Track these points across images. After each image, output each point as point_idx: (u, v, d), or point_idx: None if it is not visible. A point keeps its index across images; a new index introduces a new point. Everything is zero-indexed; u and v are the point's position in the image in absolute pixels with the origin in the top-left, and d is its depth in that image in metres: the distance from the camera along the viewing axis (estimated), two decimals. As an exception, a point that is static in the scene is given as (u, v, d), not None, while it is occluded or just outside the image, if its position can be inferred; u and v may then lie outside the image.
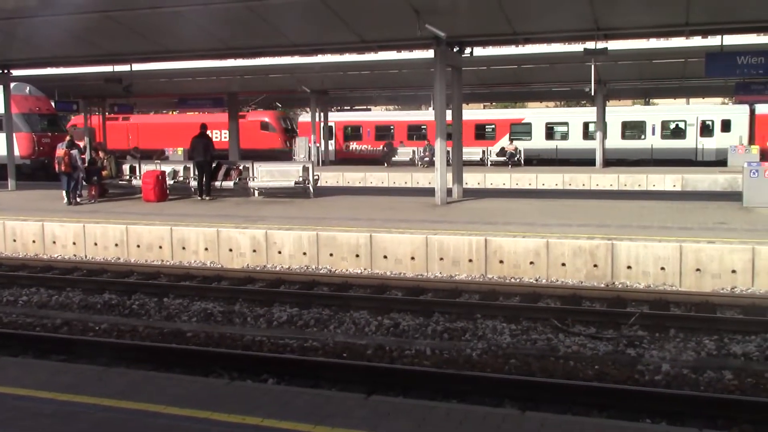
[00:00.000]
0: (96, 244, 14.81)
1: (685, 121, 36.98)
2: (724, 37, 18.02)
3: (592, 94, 28.96)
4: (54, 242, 15.17)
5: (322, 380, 7.36)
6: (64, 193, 18.87)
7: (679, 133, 36.77)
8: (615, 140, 36.35)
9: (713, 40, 19.98)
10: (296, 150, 38.51)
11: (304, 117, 44.82)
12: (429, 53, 18.14)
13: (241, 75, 31.46)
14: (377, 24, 17.10)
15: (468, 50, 18.63)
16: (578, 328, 9.19)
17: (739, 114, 36.32)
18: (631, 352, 8.21)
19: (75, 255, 14.88)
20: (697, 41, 22.47)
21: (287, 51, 21.54)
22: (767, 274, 10.91)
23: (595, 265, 11.73)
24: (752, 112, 36.14)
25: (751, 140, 35.10)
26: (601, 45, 19.59)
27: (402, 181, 31.24)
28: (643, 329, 9.07)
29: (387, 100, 45.88)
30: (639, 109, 41.76)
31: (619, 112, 38.48)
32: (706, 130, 36.47)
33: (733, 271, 11.07)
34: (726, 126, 35.93)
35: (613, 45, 21.54)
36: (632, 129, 37.86)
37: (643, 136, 37.32)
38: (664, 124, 37.37)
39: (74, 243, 14.99)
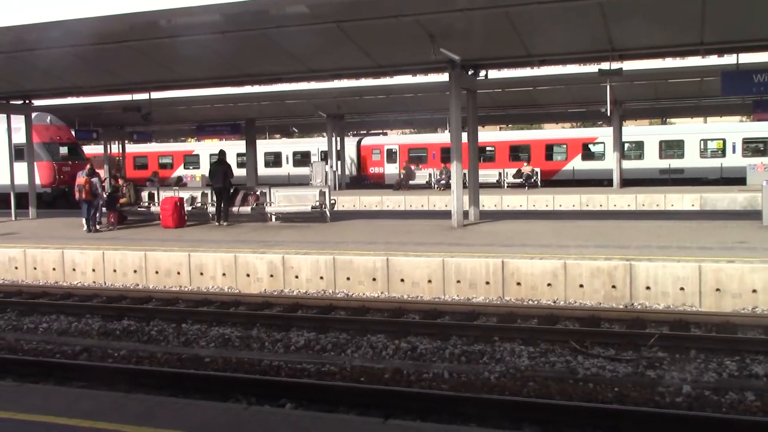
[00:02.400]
0: (115, 270, 14.93)
1: (309, 152, 45.27)
2: (740, 55, 17.99)
3: (608, 114, 28.95)
4: (74, 269, 15.31)
5: (339, 404, 7.36)
6: (83, 220, 19.06)
7: (305, 161, 44.02)
8: (289, 167, 45.24)
9: (729, 59, 19.95)
10: (313, 175, 38.70)
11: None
12: (444, 77, 18.25)
13: (258, 101, 31.78)
14: (393, 49, 17.23)
15: (483, 73, 18.71)
16: (597, 350, 9.13)
17: (349, 145, 44.21)
18: (651, 374, 8.13)
19: (94, 282, 15.00)
20: (712, 60, 22.43)
21: (303, 77, 21.73)
22: (788, 293, 10.80)
23: (614, 286, 11.65)
24: (359, 142, 44.94)
25: (359, 167, 44.16)
26: (616, 65, 19.61)
27: (419, 205, 31.27)
28: (663, 350, 8.98)
29: (403, 124, 46.06)
30: (305, 141, 49.39)
31: (292, 144, 47.75)
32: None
33: (754, 291, 10.95)
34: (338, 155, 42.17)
35: (629, 65, 21.56)
36: (301, 156, 45.80)
37: (281, 164, 45.95)
38: (294, 154, 46.07)
39: (94, 270, 15.12)
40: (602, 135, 39.04)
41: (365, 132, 49.16)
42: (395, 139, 46.73)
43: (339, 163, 39.46)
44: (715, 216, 19.76)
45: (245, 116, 35.05)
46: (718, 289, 11.14)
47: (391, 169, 42.18)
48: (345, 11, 14.75)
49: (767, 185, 16.25)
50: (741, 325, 10.06)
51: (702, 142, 37.49)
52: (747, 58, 19.15)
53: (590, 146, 39.47)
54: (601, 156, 38.48)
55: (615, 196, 29.09)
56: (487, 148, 40.16)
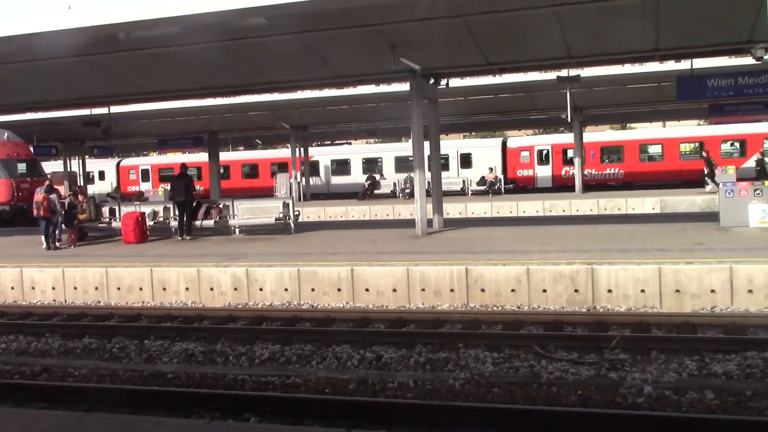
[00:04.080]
0: (75, 288, 14.69)
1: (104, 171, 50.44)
2: (695, 60, 18.37)
3: (569, 120, 29.32)
4: (33, 288, 15.03)
5: (305, 417, 7.31)
6: (43, 238, 18.73)
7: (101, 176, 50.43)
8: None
9: (685, 64, 20.33)
10: (277, 186, 38.55)
11: None
12: (406, 86, 18.32)
13: (220, 113, 31.58)
14: (354, 60, 17.29)
15: (444, 82, 18.84)
16: (560, 354, 9.20)
17: (110, 166, 50.23)
18: (614, 376, 8.22)
19: (54, 300, 14.74)
20: (669, 65, 22.86)
21: (266, 88, 21.67)
22: (745, 293, 11.02)
23: (576, 290, 11.77)
24: (118, 164, 50.53)
25: (118, 185, 49.49)
26: (574, 72, 19.88)
27: (383, 214, 31.31)
28: (624, 352, 9.09)
29: (366, 134, 46.22)
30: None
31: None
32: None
33: (712, 291, 11.16)
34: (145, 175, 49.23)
35: (588, 72, 21.86)
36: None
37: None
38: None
39: (53, 288, 14.86)
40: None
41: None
42: (149, 160, 52.86)
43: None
44: (674, 219, 20.09)
45: (208, 129, 34.82)
46: (677, 290, 11.32)
47: (146, 186, 47.89)
48: (305, 22, 14.75)
49: (723, 187, 16.58)
50: (700, 324, 10.23)
51: (395, 158, 42.42)
52: (702, 63, 19.57)
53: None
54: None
55: (577, 201, 29.41)
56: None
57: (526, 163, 39.44)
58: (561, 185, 37.83)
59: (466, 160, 41.34)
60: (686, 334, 9.75)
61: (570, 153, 37.79)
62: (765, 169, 29.39)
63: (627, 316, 10.76)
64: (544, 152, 39.85)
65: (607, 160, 39.21)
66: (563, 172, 39.07)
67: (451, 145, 42.27)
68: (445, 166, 40.14)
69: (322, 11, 14.13)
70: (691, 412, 7.01)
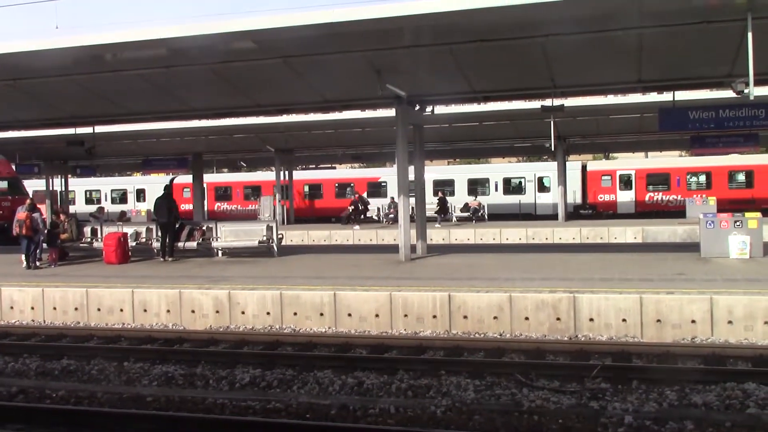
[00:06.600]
0: (55, 308, 14.53)
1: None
2: (677, 93, 18.63)
3: (552, 149, 29.60)
4: (12, 308, 14.85)
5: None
6: (23, 257, 18.56)
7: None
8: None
9: (667, 96, 20.62)
10: (260, 209, 38.49)
11: None
12: (391, 112, 18.43)
13: (205, 135, 31.57)
14: (340, 84, 17.40)
15: (429, 108, 18.97)
16: (542, 382, 9.21)
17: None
18: (595, 405, 8.22)
19: (33, 320, 14.58)
20: (652, 97, 23.18)
21: (251, 111, 21.72)
22: (725, 323, 11.11)
23: (558, 319, 11.81)
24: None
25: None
26: (558, 102, 20.12)
27: (367, 239, 31.30)
28: (606, 381, 9.12)
29: (351, 159, 46.29)
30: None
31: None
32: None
33: (693, 321, 11.24)
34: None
35: (572, 101, 22.11)
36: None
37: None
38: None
39: (32, 308, 14.70)
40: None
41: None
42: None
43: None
44: (656, 248, 20.25)
45: (192, 150, 34.77)
46: (658, 320, 11.39)
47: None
48: (291, 47, 14.86)
49: (704, 218, 16.76)
50: (681, 355, 10.27)
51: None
52: (684, 95, 19.86)
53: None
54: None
55: (560, 230, 29.56)
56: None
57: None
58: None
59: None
60: (667, 365, 9.79)
61: (222, 190, 47.91)
62: (445, 206, 34.42)
63: (608, 345, 10.79)
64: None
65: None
66: (215, 207, 47.42)
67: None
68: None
69: (310, 36, 14.24)
70: (671, 443, 7.03)
